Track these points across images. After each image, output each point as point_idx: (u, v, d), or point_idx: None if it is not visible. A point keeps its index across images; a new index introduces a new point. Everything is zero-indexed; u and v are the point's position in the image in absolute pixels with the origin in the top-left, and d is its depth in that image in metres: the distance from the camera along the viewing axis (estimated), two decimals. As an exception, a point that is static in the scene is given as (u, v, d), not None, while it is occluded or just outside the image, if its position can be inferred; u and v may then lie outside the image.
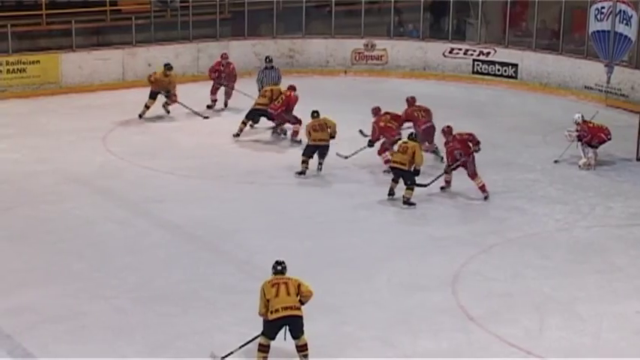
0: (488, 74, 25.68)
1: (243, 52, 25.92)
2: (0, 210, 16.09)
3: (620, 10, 21.87)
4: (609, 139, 18.76)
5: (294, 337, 11.11)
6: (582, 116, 18.82)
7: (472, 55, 25.88)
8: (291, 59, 26.38)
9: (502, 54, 25.53)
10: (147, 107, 21.69)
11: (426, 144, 18.49)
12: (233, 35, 26.29)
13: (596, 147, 18.71)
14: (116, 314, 12.49)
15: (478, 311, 12.66)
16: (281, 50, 26.33)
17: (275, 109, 20.05)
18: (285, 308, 11.02)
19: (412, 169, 16.54)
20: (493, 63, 25.63)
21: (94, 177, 17.87)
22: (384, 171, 17.84)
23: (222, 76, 22.51)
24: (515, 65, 25.33)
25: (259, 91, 21.31)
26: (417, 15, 26.94)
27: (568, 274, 13.98)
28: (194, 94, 23.17)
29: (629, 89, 22.87)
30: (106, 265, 14.01)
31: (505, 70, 25.48)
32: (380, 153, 18.41)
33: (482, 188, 17.01)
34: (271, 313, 11.03)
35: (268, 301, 11.05)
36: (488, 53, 25.70)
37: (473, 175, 17.07)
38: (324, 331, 12.01)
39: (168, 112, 21.97)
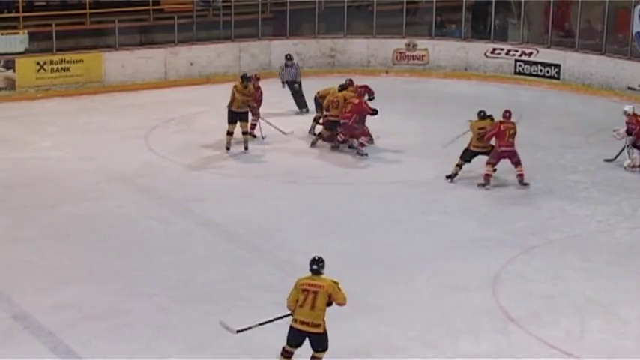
0: (530, 75, 25.59)
1: (284, 51, 25.87)
2: (44, 207, 16.23)
3: (664, 11, 21.74)
4: None
5: (312, 349, 10.86)
6: (633, 108, 18.73)
7: (514, 55, 25.79)
8: (332, 59, 26.42)
9: (544, 54, 25.42)
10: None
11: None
12: (275, 35, 26.39)
13: (638, 147, 18.57)
14: (157, 312, 12.56)
15: (518, 312, 12.61)
16: (322, 50, 26.39)
17: (348, 119, 19.12)
18: (303, 323, 10.68)
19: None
20: (535, 63, 25.52)
21: (136, 175, 17.98)
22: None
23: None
24: (557, 66, 25.22)
25: (283, 85, 22.11)
26: (458, 15, 26.91)
27: (609, 276, 13.89)
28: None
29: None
30: (147, 263, 14.10)
31: (547, 71, 25.37)
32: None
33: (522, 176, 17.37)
34: (294, 321, 10.77)
35: (296, 301, 10.77)
36: (530, 53, 25.60)
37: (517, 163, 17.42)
38: (363, 330, 12.02)
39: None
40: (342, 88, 19.53)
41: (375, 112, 18.95)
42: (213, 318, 12.36)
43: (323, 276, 10.84)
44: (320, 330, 10.69)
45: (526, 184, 17.46)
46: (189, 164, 18.63)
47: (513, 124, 17.49)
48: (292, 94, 22.36)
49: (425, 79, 25.78)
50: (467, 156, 17.74)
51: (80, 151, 19.31)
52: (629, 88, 23.77)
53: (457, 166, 17.75)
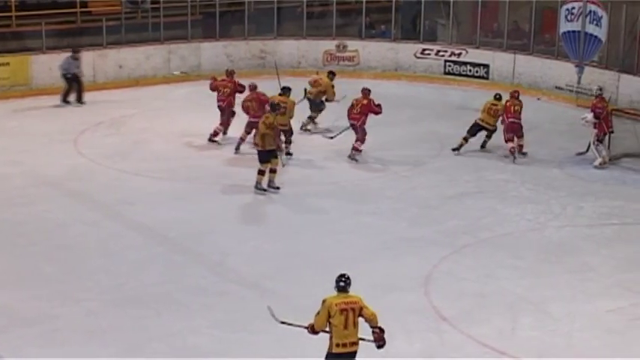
0: (459, 75, 25.77)
1: (214, 53, 25.91)
2: (-30, 213, 16.00)
3: (590, 11, 22.00)
4: (611, 132, 18.89)
5: None
6: (601, 91, 19.09)
7: (443, 55, 25.96)
8: (262, 60, 26.37)
9: (473, 55, 25.62)
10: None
11: None
12: (204, 36, 26.25)
13: (602, 140, 18.80)
14: (89, 317, 12.42)
15: (451, 312, 12.68)
16: (252, 51, 26.33)
17: (357, 120, 19.00)
18: (353, 344, 10.28)
19: None
20: (464, 64, 25.72)
21: (66, 179, 17.78)
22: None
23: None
24: (486, 66, 25.43)
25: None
26: (388, 16, 27.01)
27: (540, 273, 14.03)
28: (165, 95, 23.13)
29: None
30: (78, 267, 13.94)
31: (476, 71, 25.58)
32: None
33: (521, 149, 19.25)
34: (337, 346, 10.28)
35: (330, 323, 10.26)
36: (459, 54, 25.80)
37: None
38: (296, 333, 11.97)
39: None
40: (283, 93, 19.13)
41: (381, 111, 19.15)
42: (145, 322, 12.31)
43: (349, 293, 10.46)
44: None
45: (524, 154, 19.40)
46: (120, 167, 18.46)
47: (520, 101, 19.47)
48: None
49: (355, 80, 25.73)
50: (473, 130, 19.39)
51: (7, 156, 19.04)
52: (556, 87, 24.06)
53: (463, 139, 19.35)
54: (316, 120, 20.99)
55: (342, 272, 10.47)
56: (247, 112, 19.06)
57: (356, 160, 18.87)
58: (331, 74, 21.54)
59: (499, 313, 12.74)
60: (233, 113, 19.98)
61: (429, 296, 13.14)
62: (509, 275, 13.94)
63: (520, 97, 19.66)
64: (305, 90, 20.66)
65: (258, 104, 18.85)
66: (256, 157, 17.60)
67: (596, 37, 22.14)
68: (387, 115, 20.49)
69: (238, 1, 26.60)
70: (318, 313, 10.33)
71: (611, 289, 13.56)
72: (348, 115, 19.21)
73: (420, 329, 12.24)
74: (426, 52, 26.17)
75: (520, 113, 19.38)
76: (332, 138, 19.15)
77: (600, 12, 21.98)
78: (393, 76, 26.26)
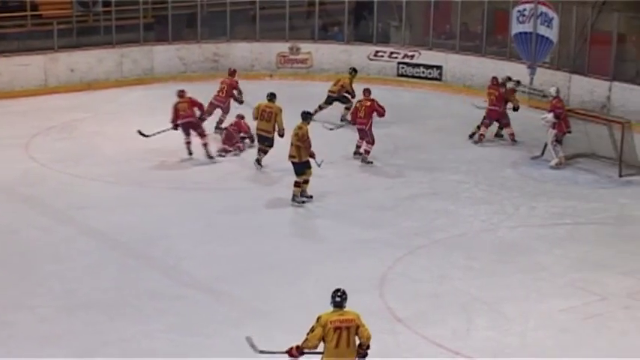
0: (412, 77, 25.85)
1: (167, 56, 25.80)
2: None
3: (542, 12, 22.20)
4: (569, 132, 19.03)
5: None
6: (558, 90, 19.29)
7: (397, 57, 26.03)
8: (215, 63, 26.29)
9: (426, 56, 25.71)
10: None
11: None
12: (157, 40, 26.12)
13: (561, 141, 18.92)
14: (42, 323, 12.32)
15: (405, 313, 12.71)
16: (205, 55, 26.25)
17: (365, 124, 19.07)
18: None
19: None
20: (417, 65, 25.80)
21: (17, 184, 17.62)
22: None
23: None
24: (439, 67, 25.53)
25: None
26: (341, 18, 27.03)
27: (493, 274, 14.10)
28: (117, 99, 23.00)
29: (553, 84, 23.13)
30: (30, 273, 13.82)
31: (430, 73, 25.67)
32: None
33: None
34: None
35: (324, 341, 9.92)
36: (412, 56, 25.87)
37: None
38: (251, 335, 11.94)
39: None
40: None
41: (385, 112, 19.31)
42: (99, 327, 12.23)
43: (346, 309, 10.15)
44: None
45: (515, 142, 20.47)
46: (72, 172, 18.32)
47: (497, 89, 20.53)
48: None
49: (309, 83, 25.83)
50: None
51: (-42, 161, 18.86)
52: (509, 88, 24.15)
53: (477, 127, 20.36)
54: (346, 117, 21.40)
55: (340, 288, 10.18)
56: (178, 116, 18.91)
57: (371, 163, 18.90)
58: (353, 71, 22.33)
59: (453, 313, 12.78)
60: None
61: (383, 298, 13.16)
62: (463, 276, 14.00)
63: (468, 97, 19.90)
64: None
65: (188, 105, 18.90)
66: (212, 161, 17.62)
67: (547, 38, 22.34)
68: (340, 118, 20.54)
69: (191, 4, 26.48)
70: (312, 330, 9.98)
71: (564, 288, 13.66)
72: (354, 121, 19.26)
73: (375, 330, 12.13)
74: (379, 54, 26.21)
75: (500, 101, 20.45)
76: (331, 130, 19.21)
77: (551, 13, 22.18)
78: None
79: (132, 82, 24.74)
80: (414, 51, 25.90)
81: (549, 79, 23.01)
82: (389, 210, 16.68)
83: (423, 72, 25.72)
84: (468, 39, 25.77)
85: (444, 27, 26.59)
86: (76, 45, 25.15)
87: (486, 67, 24.52)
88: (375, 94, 24.40)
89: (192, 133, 19.00)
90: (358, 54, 26.38)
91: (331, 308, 10.06)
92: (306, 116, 16.82)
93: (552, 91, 19.55)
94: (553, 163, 18.95)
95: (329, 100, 21.91)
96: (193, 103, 19.04)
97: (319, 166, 16.87)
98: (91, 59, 24.97)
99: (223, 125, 20.31)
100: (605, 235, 15.72)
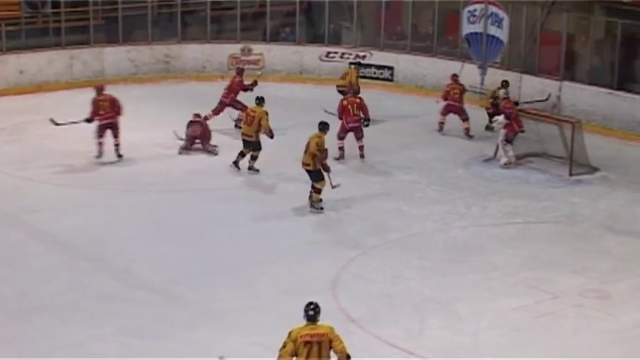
0: (364, 77, 25.80)
1: (118, 58, 25.61)
2: None
3: (492, 13, 22.32)
4: (522, 132, 19.14)
5: None
6: (507, 92, 19.52)
7: (348, 58, 26.02)
8: (167, 65, 26.15)
9: (378, 57, 25.74)
10: None
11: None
12: (107, 41, 25.92)
13: (511, 141, 19.01)
14: (-9, 328, 12.20)
15: (359, 313, 12.71)
16: (157, 56, 26.10)
17: (358, 122, 19.34)
18: None
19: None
20: (369, 66, 25.82)
21: (-34, 188, 17.43)
22: (335, 158, 18.82)
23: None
24: (391, 68, 25.58)
25: None
26: (292, 19, 27.00)
27: (446, 273, 14.14)
28: (67, 101, 22.79)
29: (503, 85, 23.25)
30: (-21, 277, 13.67)
31: (381, 73, 25.71)
32: (338, 137, 19.10)
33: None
34: None
35: (296, 355, 9.66)
36: (364, 56, 25.89)
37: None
38: (205, 337, 11.91)
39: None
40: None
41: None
42: (50, 331, 12.11)
43: (319, 322, 9.92)
44: None
45: (471, 136, 20.91)
46: (22, 175, 18.14)
47: (460, 85, 21.33)
48: None
49: (260, 84, 25.68)
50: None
51: None
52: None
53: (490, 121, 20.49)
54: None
55: (313, 302, 9.94)
56: (98, 113, 18.78)
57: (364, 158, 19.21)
58: (358, 65, 23.12)
59: (407, 313, 12.80)
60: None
61: (337, 298, 13.14)
62: (417, 276, 14.02)
63: (420, 98, 20.00)
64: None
65: (110, 104, 18.81)
66: (164, 163, 17.50)
67: (497, 38, 22.46)
68: (293, 119, 20.53)
69: (141, 5, 26.31)
70: (284, 345, 9.72)
71: (516, 287, 13.72)
72: (347, 121, 19.23)
73: (328, 331, 12.21)
74: (331, 54, 26.22)
75: (460, 96, 21.16)
76: (329, 113, 19.40)
77: (501, 14, 22.30)
78: (298, 79, 26.25)
79: (82, 84, 24.50)
80: (366, 51, 25.92)
81: (500, 79, 23.13)
82: (341, 210, 16.67)
83: (375, 72, 25.75)
84: (419, 39, 25.84)
85: (395, 28, 26.64)
86: (25, 46, 24.90)
87: (437, 68, 24.62)
88: (327, 95, 24.45)
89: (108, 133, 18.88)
90: (310, 55, 26.37)
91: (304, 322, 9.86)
92: (324, 127, 16.61)
93: (501, 93, 19.72)
94: (503, 162, 19.05)
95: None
96: (114, 102, 18.86)
97: (333, 187, 16.65)
98: (41, 61, 24.74)
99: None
100: (556, 233, 15.82)
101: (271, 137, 18.13)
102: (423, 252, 14.92)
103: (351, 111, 19.20)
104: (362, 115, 19.32)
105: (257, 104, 18.45)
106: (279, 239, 15.34)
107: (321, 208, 16.54)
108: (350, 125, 19.15)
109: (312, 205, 16.54)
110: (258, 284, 13.59)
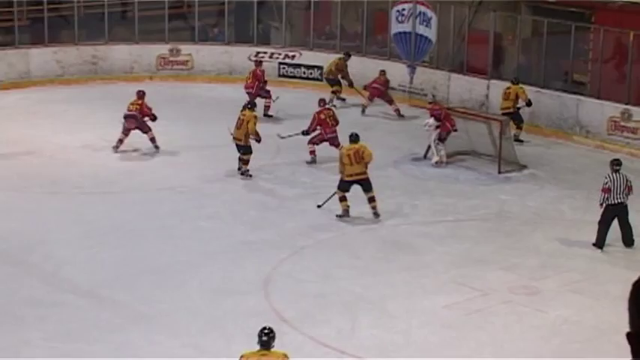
0: (294, 77, 25.85)
1: (44, 59, 25.28)
2: None
3: (420, 12, 22.43)
4: (455, 130, 19.23)
5: None
6: (434, 96, 20.19)
7: (277, 58, 26.00)
8: (94, 66, 25.87)
9: (307, 57, 25.74)
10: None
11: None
12: (33, 42, 25.58)
13: (444, 140, 19.09)
14: None
15: (291, 313, 12.69)
16: (83, 57, 25.80)
17: (334, 132, 19.35)
18: None
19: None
20: (298, 66, 25.81)
21: None
22: (307, 162, 18.96)
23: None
24: (320, 68, 25.57)
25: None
26: (221, 19, 26.88)
27: (377, 272, 14.18)
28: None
29: (431, 89, 23.40)
30: None
31: (311, 73, 25.70)
32: (310, 142, 19.14)
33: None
34: None
35: None
36: (293, 56, 25.87)
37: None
38: (136, 341, 11.81)
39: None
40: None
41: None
42: (-23, 337, 11.92)
43: (273, 349, 9.68)
44: None
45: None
46: (-53, 178, 17.85)
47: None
48: None
49: (190, 85, 25.62)
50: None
51: None
52: (389, 87, 24.34)
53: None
54: (341, 96, 23.27)
55: (265, 325, 9.84)
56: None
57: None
58: (347, 55, 23.49)
59: (338, 312, 12.81)
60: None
61: (269, 298, 13.12)
62: (348, 275, 14.04)
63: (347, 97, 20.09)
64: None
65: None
66: (92, 165, 17.26)
67: (426, 37, 22.59)
68: (223, 120, 20.40)
69: (67, 5, 26.00)
70: None
71: (446, 284, 13.80)
72: (326, 132, 19.17)
73: (260, 332, 12.18)
74: (260, 55, 26.14)
75: (385, 83, 22.40)
76: (283, 138, 19.35)
77: (430, 13, 22.43)
78: (228, 79, 26.12)
79: (8, 85, 24.19)
80: (295, 52, 25.91)
81: (429, 78, 23.27)
82: (273, 211, 16.64)
83: (304, 72, 25.75)
84: (348, 39, 25.89)
85: (324, 27, 26.67)
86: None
87: (367, 67, 24.66)
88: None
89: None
90: (239, 55, 26.27)
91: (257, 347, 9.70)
92: (356, 137, 16.39)
93: (429, 96, 19.93)
94: (434, 161, 19.15)
95: (331, 84, 23.32)
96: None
97: (319, 207, 16.46)
98: (-35, 62, 24.37)
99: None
100: (485, 231, 15.95)
101: (258, 141, 18.02)
102: (354, 251, 14.94)
103: (329, 122, 19.20)
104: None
105: (248, 109, 18.41)
106: (210, 240, 15.27)
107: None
108: (328, 136, 19.13)
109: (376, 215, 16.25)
110: (188, 285, 13.51)
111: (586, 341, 12.12)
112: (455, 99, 22.81)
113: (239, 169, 18.20)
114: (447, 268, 14.37)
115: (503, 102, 20.79)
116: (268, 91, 22.17)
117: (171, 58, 26.11)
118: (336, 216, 16.06)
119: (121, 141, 19.22)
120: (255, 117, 18.31)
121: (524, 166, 19.04)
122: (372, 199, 16.05)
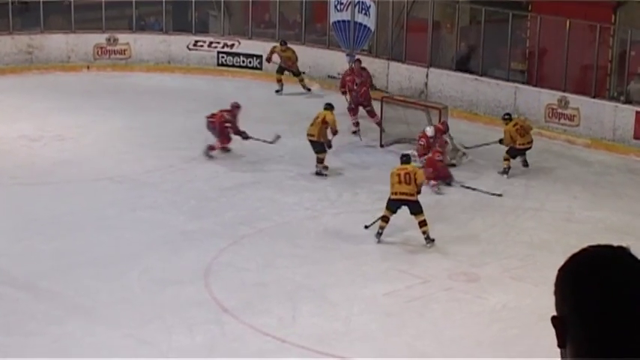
0: (233, 66, 25.74)
1: (-22, 49, 24.93)
2: None
3: (359, 1, 22.41)
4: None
5: None
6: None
7: (216, 47, 25.87)
8: (30, 55, 25.53)
9: (246, 46, 25.64)
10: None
11: None
12: (-34, 32, 25.19)
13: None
14: None
15: (232, 302, 12.66)
16: (19, 46, 25.45)
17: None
18: None
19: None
20: (238, 55, 25.70)
21: None
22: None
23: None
24: (259, 57, 25.49)
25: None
26: (159, 8, 26.66)
27: (318, 261, 14.18)
28: None
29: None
30: None
31: (250, 62, 25.61)
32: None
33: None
34: None
35: None
36: (232, 45, 25.76)
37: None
38: (75, 333, 11.70)
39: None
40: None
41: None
42: None
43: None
44: None
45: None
46: None
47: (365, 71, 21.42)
48: None
49: (128, 74, 25.38)
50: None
51: None
52: (329, 76, 24.35)
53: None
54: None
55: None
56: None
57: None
58: (283, 43, 23.51)
59: (279, 301, 12.79)
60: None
61: (209, 288, 13.07)
62: (289, 264, 14.02)
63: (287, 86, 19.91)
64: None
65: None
66: (29, 154, 17.03)
67: (365, 26, 22.58)
68: (161, 109, 20.30)
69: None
70: None
71: (386, 272, 13.85)
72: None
73: (200, 322, 12.15)
74: (199, 44, 26.00)
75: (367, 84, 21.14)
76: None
77: (368, 2, 22.43)
78: (166, 68, 25.95)
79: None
80: (234, 40, 25.80)
81: (369, 67, 23.27)
82: (213, 200, 16.57)
83: (244, 61, 25.66)
84: (287, 28, 25.83)
85: (264, 16, 26.58)
86: None
87: (306, 55, 24.62)
88: (196, 84, 24.41)
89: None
90: (178, 44, 26.09)
91: None
92: (408, 159, 15.45)
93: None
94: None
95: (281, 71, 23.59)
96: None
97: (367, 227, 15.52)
98: None
99: None
100: (425, 218, 15.97)
101: (329, 146, 18.03)
102: (295, 240, 14.93)
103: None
104: None
105: (325, 109, 18.24)
106: (150, 230, 15.16)
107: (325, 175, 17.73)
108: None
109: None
110: (128, 276, 13.40)
111: (525, 327, 12.22)
112: (394, 87, 22.86)
113: (316, 171, 17.91)
114: (386, 256, 14.41)
115: (525, 137, 18.49)
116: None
117: (108, 47, 25.86)
118: (371, 230, 15.02)
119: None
120: (332, 113, 18.23)
121: (463, 154, 19.12)
122: (422, 224, 14.76)
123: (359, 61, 21.67)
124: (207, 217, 15.77)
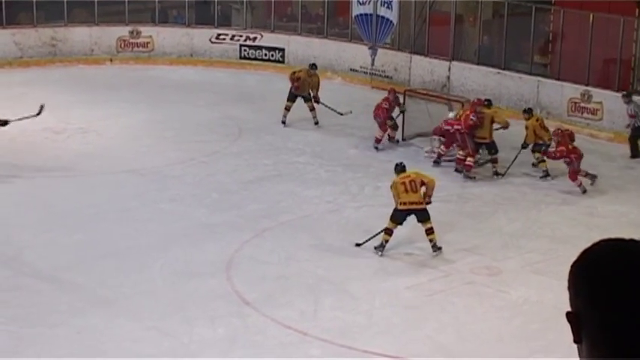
0: (255, 59, 25.78)
1: (2, 41, 25.03)
2: None
3: (382, -6, 22.38)
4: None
5: None
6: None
7: (239, 40, 25.91)
8: (53, 48, 25.65)
9: (269, 39, 25.67)
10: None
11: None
12: (-9, 24, 25.31)
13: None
14: None
15: (253, 295, 12.68)
16: (43, 39, 25.57)
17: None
18: None
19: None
20: (260, 48, 25.74)
21: None
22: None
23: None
24: (282, 50, 25.52)
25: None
26: (181, 1, 26.71)
27: (340, 254, 14.18)
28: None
29: (393, 71, 23.44)
30: None
31: (272, 55, 25.64)
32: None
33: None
34: None
35: None
36: (254, 38, 25.79)
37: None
38: (97, 325, 11.75)
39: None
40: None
41: None
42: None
43: None
44: None
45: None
46: None
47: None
48: None
49: (151, 67, 25.46)
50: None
51: None
52: (351, 69, 24.36)
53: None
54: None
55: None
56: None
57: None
58: (313, 67, 20.90)
59: (301, 294, 12.81)
60: None
61: (231, 281, 13.09)
62: (310, 257, 14.03)
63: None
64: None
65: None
66: (54, 148, 17.08)
67: (388, 19, 22.56)
68: (184, 102, 20.34)
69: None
70: None
71: (409, 266, 13.83)
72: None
73: (223, 314, 12.18)
74: (221, 37, 26.04)
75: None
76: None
77: (391, -5, 22.40)
78: (189, 61, 26.02)
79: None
80: (257, 33, 25.82)
81: (390, 60, 23.26)
82: (234, 193, 16.60)
83: (266, 54, 25.68)
84: (309, 21, 25.84)
85: (286, 9, 26.59)
86: None
87: (329, 49, 24.66)
88: (218, 77, 24.45)
89: None
90: (200, 37, 26.15)
91: None
92: (403, 168, 14.89)
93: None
94: (426, 150, 18.90)
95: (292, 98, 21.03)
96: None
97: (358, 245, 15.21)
98: None
99: None
100: (447, 212, 15.96)
101: (506, 128, 17.95)
102: (317, 233, 14.93)
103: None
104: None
105: (485, 105, 18.12)
106: (172, 222, 15.20)
107: (502, 174, 17.52)
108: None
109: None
110: (151, 269, 13.45)
111: (546, 321, 12.18)
112: (416, 81, 22.84)
113: (494, 173, 17.83)
114: (408, 249, 14.39)
115: (548, 132, 18.13)
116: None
117: (131, 40, 25.94)
118: (374, 247, 14.25)
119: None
120: (495, 111, 18.22)
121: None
122: (429, 231, 14.31)
123: (393, 91, 19.61)
124: (228, 210, 15.80)
